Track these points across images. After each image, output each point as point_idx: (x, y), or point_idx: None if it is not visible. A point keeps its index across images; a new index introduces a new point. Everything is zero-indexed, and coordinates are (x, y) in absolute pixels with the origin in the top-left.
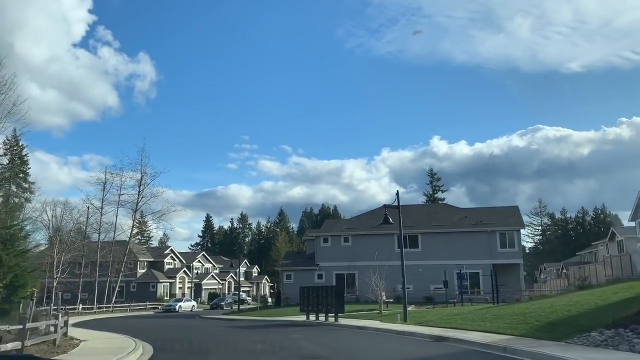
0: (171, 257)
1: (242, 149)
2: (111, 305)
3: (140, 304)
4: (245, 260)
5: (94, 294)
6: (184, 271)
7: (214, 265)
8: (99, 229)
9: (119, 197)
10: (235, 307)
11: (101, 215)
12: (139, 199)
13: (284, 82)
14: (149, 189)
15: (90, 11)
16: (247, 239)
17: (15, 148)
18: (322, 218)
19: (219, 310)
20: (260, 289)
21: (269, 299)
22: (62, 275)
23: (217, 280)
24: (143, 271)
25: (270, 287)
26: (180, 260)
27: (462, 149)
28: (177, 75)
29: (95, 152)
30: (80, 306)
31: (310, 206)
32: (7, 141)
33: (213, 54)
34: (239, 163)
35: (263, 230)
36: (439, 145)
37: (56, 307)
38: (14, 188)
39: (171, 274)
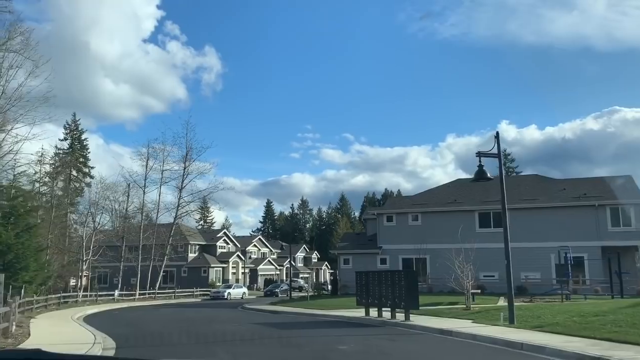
0: (224, 240)
1: (304, 138)
2: (154, 291)
3: (187, 290)
4: (305, 246)
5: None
6: (238, 255)
7: (271, 250)
8: (142, 209)
9: (161, 174)
10: (290, 293)
11: (144, 193)
12: (184, 176)
13: (345, 70)
14: (195, 165)
15: (158, 7)
16: (307, 225)
17: (75, 132)
18: (385, 203)
19: (273, 297)
20: (319, 275)
21: (328, 287)
22: (93, 257)
23: (273, 265)
24: (194, 255)
25: (331, 274)
26: (235, 244)
27: (532, 134)
28: (241, 66)
29: (164, 143)
30: (116, 293)
31: (372, 192)
32: (67, 125)
33: (275, 44)
34: (302, 152)
35: (324, 216)
36: (508, 130)
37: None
38: (74, 173)
39: (224, 258)
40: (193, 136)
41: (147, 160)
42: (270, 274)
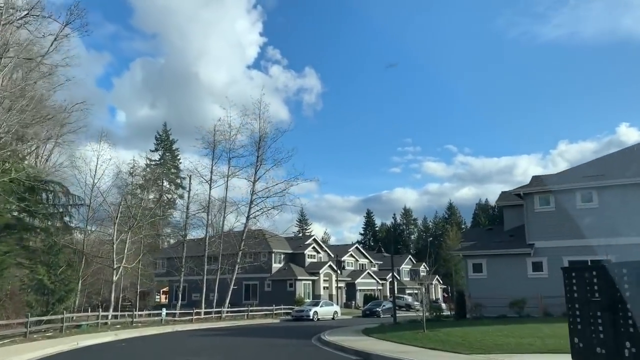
0: (314, 248)
1: (405, 152)
2: (222, 310)
3: (265, 308)
4: (410, 257)
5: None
6: (331, 266)
7: (371, 262)
8: (208, 206)
9: (228, 162)
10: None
11: (210, 187)
12: (258, 166)
13: (444, 80)
14: (270, 153)
15: (260, 34)
16: (412, 236)
17: (166, 143)
18: (500, 210)
19: (373, 318)
20: (430, 291)
21: (443, 306)
22: (128, 263)
23: (374, 279)
24: (279, 266)
25: (443, 290)
26: (328, 253)
27: None
28: (340, 84)
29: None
30: (163, 312)
31: (485, 198)
32: (157, 136)
33: (372, 58)
34: (403, 166)
35: (430, 226)
36: (628, 133)
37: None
38: (166, 184)
39: (314, 269)
40: (267, 118)
41: (214, 147)
42: (370, 289)
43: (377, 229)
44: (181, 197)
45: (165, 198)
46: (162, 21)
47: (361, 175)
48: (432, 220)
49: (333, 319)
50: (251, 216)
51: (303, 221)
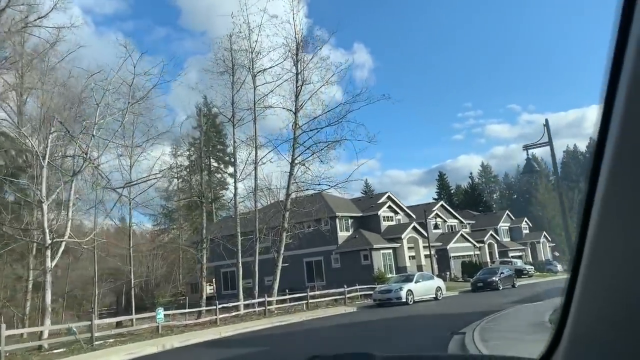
0: (389, 208)
1: (465, 117)
2: (272, 298)
3: (334, 291)
4: (508, 213)
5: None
6: (414, 228)
7: (461, 222)
8: (234, 152)
9: (253, 79)
10: (514, 282)
11: (233, 125)
12: (298, 89)
13: (498, 36)
14: (313, 69)
15: (306, 16)
16: (494, 195)
17: (209, 117)
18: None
19: (489, 291)
20: (536, 251)
21: (558, 267)
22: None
23: (470, 242)
24: (347, 234)
25: (553, 249)
26: (408, 214)
27: None
28: (391, 57)
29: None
30: (161, 313)
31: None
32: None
33: (421, 26)
34: (465, 132)
35: (512, 181)
36: None
37: None
38: (214, 163)
39: (393, 234)
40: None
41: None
42: (467, 255)
43: (452, 191)
44: (231, 175)
45: (215, 178)
46: (209, 17)
47: (422, 147)
48: (514, 176)
49: (436, 298)
50: (296, 160)
51: (369, 192)
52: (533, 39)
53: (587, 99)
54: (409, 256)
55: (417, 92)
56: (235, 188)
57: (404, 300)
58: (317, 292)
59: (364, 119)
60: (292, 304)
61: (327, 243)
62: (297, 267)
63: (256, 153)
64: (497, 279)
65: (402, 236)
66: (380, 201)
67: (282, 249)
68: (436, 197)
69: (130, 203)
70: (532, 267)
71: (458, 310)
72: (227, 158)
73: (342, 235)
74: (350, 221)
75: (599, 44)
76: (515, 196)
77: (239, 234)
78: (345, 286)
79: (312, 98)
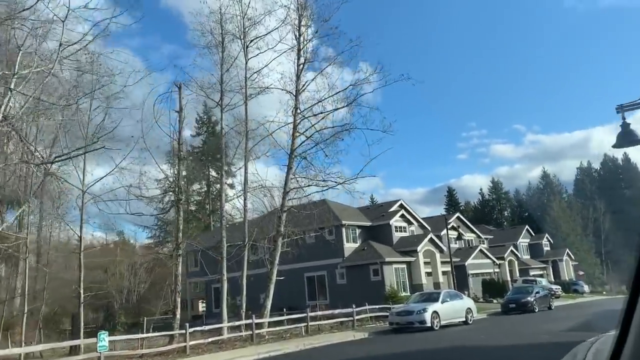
0: (402, 217)
1: (470, 137)
2: (264, 320)
3: (340, 312)
4: (528, 228)
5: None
6: (431, 241)
7: (478, 237)
8: (221, 141)
9: (243, 48)
10: (551, 303)
11: (221, 109)
12: (301, 66)
13: (502, 58)
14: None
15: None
16: (504, 212)
17: (209, 125)
18: (609, 171)
19: (528, 314)
20: (559, 270)
21: (585, 288)
22: None
23: (489, 258)
24: (355, 246)
25: (576, 268)
26: (422, 225)
27: None
28: (396, 75)
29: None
30: (104, 338)
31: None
32: (198, 118)
33: (425, 47)
34: (469, 152)
35: (523, 198)
36: None
37: None
38: (213, 173)
39: (407, 246)
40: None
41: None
42: (486, 273)
43: (462, 208)
44: (231, 186)
45: (214, 189)
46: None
47: (426, 166)
48: (525, 193)
49: (466, 322)
50: (296, 152)
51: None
52: (539, 60)
53: (592, 120)
54: (425, 272)
55: (421, 110)
56: (222, 183)
57: (428, 324)
58: (320, 313)
59: (364, 150)
60: (288, 326)
61: (332, 255)
62: (297, 283)
63: (246, 139)
64: (532, 300)
65: (418, 249)
66: (391, 209)
67: (277, 258)
68: (444, 214)
69: (83, 202)
70: (559, 287)
71: (507, 340)
72: (226, 168)
73: (349, 246)
74: (358, 231)
75: (604, 67)
76: (526, 214)
77: (224, 238)
78: (354, 306)
79: (317, 79)
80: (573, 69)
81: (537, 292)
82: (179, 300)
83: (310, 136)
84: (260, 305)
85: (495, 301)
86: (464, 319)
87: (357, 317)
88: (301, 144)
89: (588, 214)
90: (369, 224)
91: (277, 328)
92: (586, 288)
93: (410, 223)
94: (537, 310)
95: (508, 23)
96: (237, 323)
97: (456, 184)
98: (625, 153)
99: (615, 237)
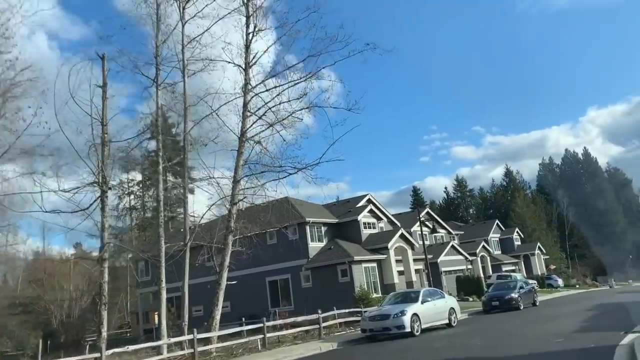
0: (371, 212)
1: (431, 140)
2: (211, 334)
3: (306, 319)
4: (498, 223)
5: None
6: (402, 237)
7: (449, 232)
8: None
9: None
10: (536, 299)
11: (157, 84)
12: (249, 36)
13: (461, 62)
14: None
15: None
16: (470, 210)
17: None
18: (570, 166)
19: (513, 312)
20: (531, 265)
21: (559, 282)
22: None
23: (462, 255)
24: (320, 245)
25: (547, 262)
26: (391, 222)
27: None
28: (358, 81)
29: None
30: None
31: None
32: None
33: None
34: (431, 154)
35: (488, 196)
36: None
37: None
38: (170, 178)
39: (377, 244)
40: None
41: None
42: (459, 270)
43: (426, 204)
44: (191, 191)
45: (172, 195)
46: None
47: (391, 169)
48: (489, 192)
49: (450, 324)
50: (248, 134)
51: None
52: (495, 63)
53: (548, 120)
54: (397, 271)
55: (383, 114)
56: (159, 162)
57: (407, 329)
58: (280, 322)
59: (327, 132)
60: (243, 339)
61: (296, 257)
62: (259, 289)
63: (185, 118)
64: (517, 296)
65: (389, 245)
66: (359, 205)
67: (228, 259)
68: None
69: None
70: (535, 282)
71: (512, 347)
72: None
73: (314, 246)
74: (323, 229)
75: (561, 67)
76: (491, 211)
77: (162, 238)
78: (319, 311)
79: (270, 50)
80: (529, 72)
81: (522, 288)
82: (104, 314)
83: (264, 114)
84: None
85: (471, 299)
86: (447, 321)
87: (324, 324)
88: (252, 124)
89: (552, 209)
90: (335, 220)
91: (228, 343)
92: (560, 282)
93: (379, 219)
94: (522, 308)
95: (463, 28)
96: (178, 339)
97: (420, 186)
98: (585, 148)
99: (579, 231)
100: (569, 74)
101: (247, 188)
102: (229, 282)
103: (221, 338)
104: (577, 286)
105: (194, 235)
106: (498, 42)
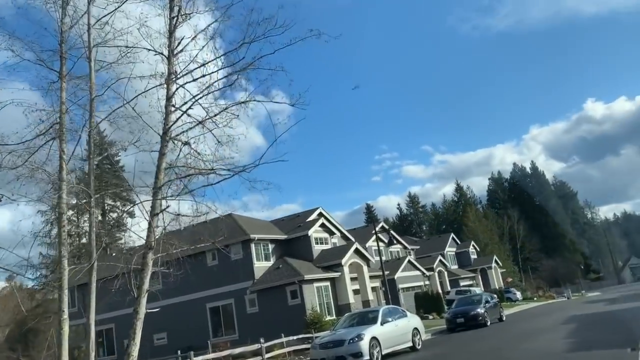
0: (323, 227)
1: (382, 159)
2: None
3: (249, 349)
4: (453, 236)
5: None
6: (356, 251)
7: (405, 247)
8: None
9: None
10: (502, 314)
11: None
12: (173, 21)
13: (408, 84)
14: None
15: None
16: (423, 226)
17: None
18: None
19: (481, 330)
20: (488, 279)
21: (517, 295)
22: None
23: (419, 270)
24: (268, 264)
25: (505, 275)
26: (344, 236)
27: (623, 106)
28: (310, 104)
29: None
30: None
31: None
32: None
33: (330, 73)
34: (382, 174)
35: (440, 212)
36: (595, 107)
37: None
38: (109, 201)
39: (330, 260)
40: None
41: None
42: (417, 286)
43: (380, 221)
44: (131, 215)
45: (111, 218)
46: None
47: (343, 190)
48: (441, 207)
49: (414, 347)
50: (172, 133)
51: None
52: (442, 82)
53: (493, 139)
54: (352, 290)
55: (334, 135)
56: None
57: (366, 357)
58: (212, 356)
59: (280, 166)
60: None
61: (240, 279)
62: (199, 316)
63: (91, 110)
64: (483, 312)
65: (343, 262)
66: (309, 219)
67: (147, 282)
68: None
69: None
70: (496, 296)
71: None
72: (124, 194)
73: (261, 266)
74: (271, 247)
75: (504, 87)
76: (444, 226)
77: (64, 259)
78: (262, 340)
79: (198, 37)
80: (474, 92)
81: (487, 302)
82: None
83: (189, 108)
84: (157, 348)
85: (431, 317)
86: (411, 344)
87: (268, 355)
88: (177, 120)
89: (503, 223)
90: (284, 237)
91: None
92: (519, 295)
93: (332, 233)
94: (489, 324)
95: (410, 51)
96: None
97: (373, 204)
98: (532, 162)
99: (530, 244)
100: (512, 94)
101: (170, 197)
102: (150, 310)
103: None
104: (535, 299)
105: (100, 254)
106: (443, 64)
